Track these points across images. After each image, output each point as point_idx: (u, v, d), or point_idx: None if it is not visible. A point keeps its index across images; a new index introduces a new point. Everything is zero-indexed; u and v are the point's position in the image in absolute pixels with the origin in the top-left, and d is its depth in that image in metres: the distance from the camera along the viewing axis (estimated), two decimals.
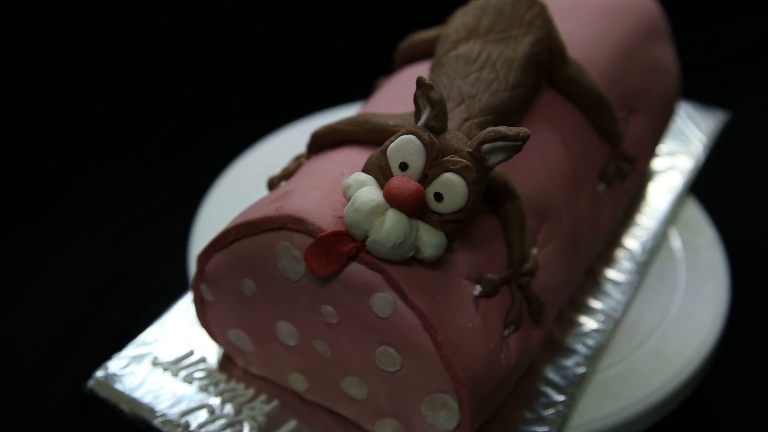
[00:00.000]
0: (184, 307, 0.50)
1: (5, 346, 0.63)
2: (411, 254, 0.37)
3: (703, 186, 0.65)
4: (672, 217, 0.60)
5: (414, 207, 0.36)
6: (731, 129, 0.72)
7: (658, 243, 0.57)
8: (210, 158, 0.76)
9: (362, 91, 0.53)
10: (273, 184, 0.46)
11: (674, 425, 0.55)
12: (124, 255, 0.72)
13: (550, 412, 0.44)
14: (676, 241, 0.58)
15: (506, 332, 0.41)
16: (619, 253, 0.56)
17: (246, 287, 0.41)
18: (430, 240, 0.37)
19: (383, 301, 0.37)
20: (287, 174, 0.45)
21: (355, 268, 0.37)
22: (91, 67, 0.87)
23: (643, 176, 0.59)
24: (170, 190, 0.81)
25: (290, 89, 0.93)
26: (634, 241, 0.57)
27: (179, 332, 0.48)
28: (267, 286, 0.41)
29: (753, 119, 0.87)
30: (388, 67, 0.57)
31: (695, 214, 0.61)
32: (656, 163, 0.64)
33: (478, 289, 0.40)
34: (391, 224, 0.36)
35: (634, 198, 0.60)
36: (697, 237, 0.59)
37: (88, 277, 0.69)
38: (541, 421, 0.44)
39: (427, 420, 0.40)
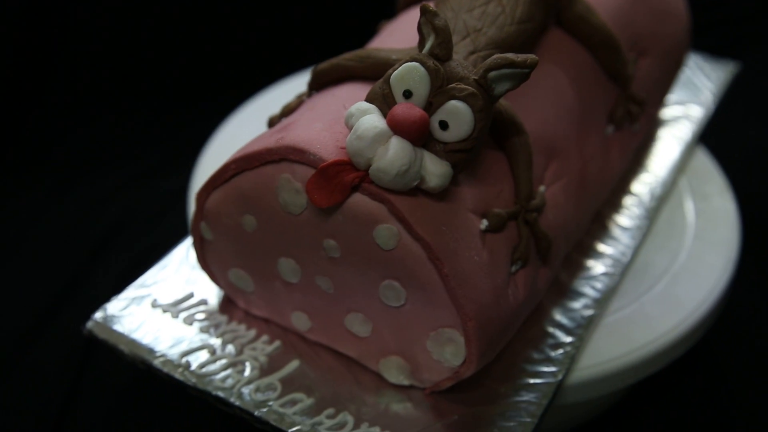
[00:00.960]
0: (184, 251, 0.49)
1: (4, 295, 0.63)
2: (415, 183, 0.36)
3: (712, 136, 0.64)
4: (681, 166, 0.59)
5: (418, 134, 0.35)
6: (741, 81, 0.70)
7: (667, 190, 0.56)
8: (206, 113, 0.74)
9: (362, 41, 0.52)
10: (273, 122, 0.45)
11: (683, 370, 0.54)
12: (122, 209, 0.71)
13: (557, 352, 0.43)
14: (685, 189, 0.57)
15: (513, 268, 0.40)
16: (628, 200, 0.54)
17: (246, 223, 0.41)
18: (435, 169, 0.36)
19: (387, 232, 0.36)
20: (288, 111, 0.44)
21: (359, 199, 0.36)
22: (88, 22, 0.86)
23: (652, 123, 0.58)
24: (168, 145, 0.80)
25: (286, 42, 0.91)
26: (642, 187, 0.56)
27: (179, 275, 0.48)
28: (268, 222, 0.40)
29: (764, 73, 0.85)
30: (387, 15, 0.56)
31: (705, 162, 0.60)
32: (666, 113, 0.63)
33: (484, 224, 0.39)
34: (395, 151, 0.35)
35: (643, 145, 0.59)
36: (706, 185, 0.58)
37: (85, 230, 0.69)
38: (549, 361, 0.43)
39: (432, 356, 0.39)
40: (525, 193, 0.41)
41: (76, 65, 0.85)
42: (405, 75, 0.36)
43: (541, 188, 0.42)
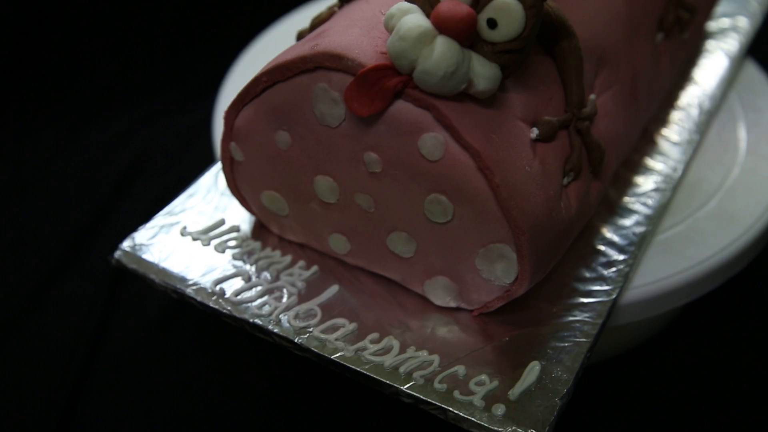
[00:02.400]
0: (212, 178, 0.47)
1: (30, 231, 0.61)
2: (463, 87, 0.33)
3: (761, 48, 0.60)
4: (730, 79, 0.55)
5: (466, 32, 0.32)
6: None
7: (716, 104, 0.53)
8: (224, 46, 0.71)
9: None
10: (303, 35, 0.42)
11: (740, 288, 0.52)
12: (143, 145, 0.69)
13: (610, 271, 0.41)
14: (735, 102, 0.54)
15: (565, 180, 0.37)
16: (676, 114, 0.52)
17: (280, 140, 0.38)
18: (483, 71, 0.33)
19: (433, 141, 0.34)
20: (318, 22, 0.41)
21: (402, 106, 0.34)
22: None
23: (700, 33, 0.55)
24: (186, 81, 0.78)
25: None
26: (692, 101, 0.53)
27: (208, 202, 0.45)
28: (303, 137, 0.37)
29: None
30: None
31: (755, 75, 0.57)
32: (713, 25, 0.59)
33: (535, 132, 0.36)
34: (441, 51, 0.32)
35: (691, 57, 0.56)
36: (757, 97, 0.55)
37: (107, 166, 0.67)
38: (602, 280, 0.41)
39: (482, 275, 0.37)
40: (576, 100, 0.38)
41: (91, 2, 0.82)
42: None
43: (592, 96, 0.40)
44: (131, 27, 0.83)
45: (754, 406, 0.48)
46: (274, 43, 0.60)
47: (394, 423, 0.47)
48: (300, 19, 0.65)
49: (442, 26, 0.32)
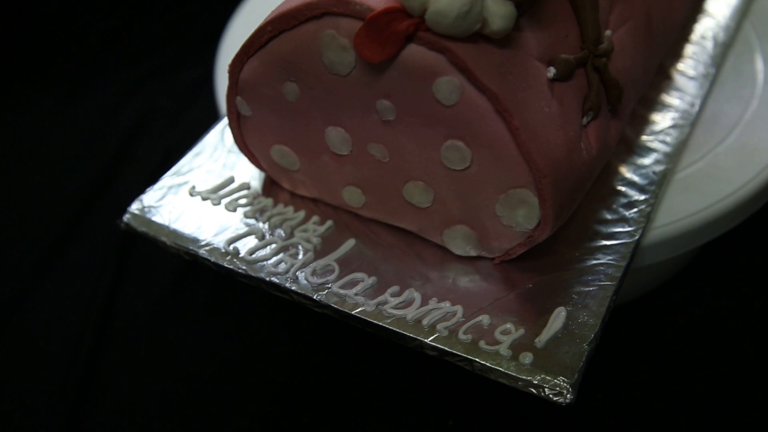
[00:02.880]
0: (218, 135, 0.46)
1: (34, 200, 0.60)
2: (477, 27, 0.32)
3: None
4: (744, 9, 0.54)
5: None
6: None
7: (731, 35, 0.52)
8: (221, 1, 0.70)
9: None
10: None
11: (760, 224, 0.51)
12: (143, 105, 0.68)
13: (632, 211, 0.40)
14: (751, 33, 0.52)
15: (585, 120, 0.36)
16: (691, 48, 0.50)
17: (288, 92, 0.37)
18: (498, 9, 0.32)
19: (448, 85, 0.32)
20: None
21: (414, 51, 0.32)
22: None
23: None
24: (184, 36, 0.76)
25: None
26: (706, 34, 0.51)
27: (215, 161, 0.44)
28: (312, 87, 0.36)
29: None
30: None
31: None
32: None
33: (552, 71, 0.35)
34: None
35: None
36: None
37: (108, 129, 0.66)
38: (623, 221, 0.40)
39: (502, 221, 0.36)
40: (592, 36, 0.37)
41: None
42: None
43: (607, 32, 0.38)
44: None
45: None
46: None
47: (419, 376, 0.46)
48: None
49: None
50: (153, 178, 0.44)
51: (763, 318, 0.48)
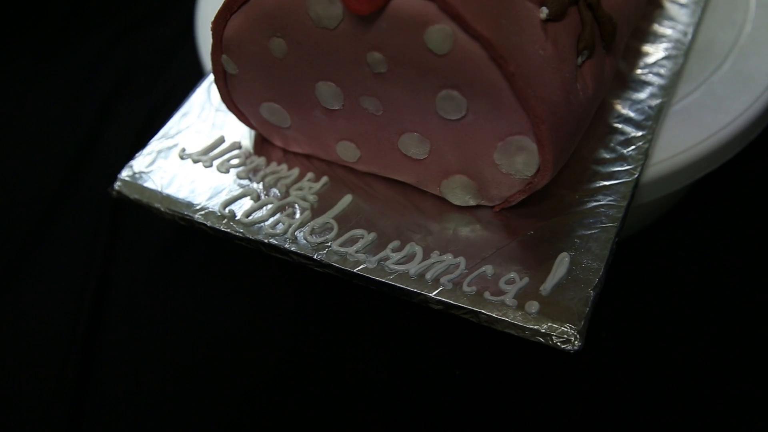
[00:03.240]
0: (204, 94, 0.45)
1: (20, 167, 0.59)
2: None
3: None
4: None
5: None
6: None
7: None
8: None
9: None
10: None
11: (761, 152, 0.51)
12: (123, 63, 0.66)
13: (630, 149, 0.40)
14: None
15: (580, 60, 0.35)
16: None
17: (275, 48, 0.36)
18: None
19: (440, 33, 0.31)
20: None
21: (404, 0, 0.31)
22: None
23: None
24: None
25: None
26: None
27: (204, 121, 0.43)
28: (300, 42, 0.35)
29: None
30: None
31: None
32: None
33: (544, 12, 0.34)
34: None
35: None
36: None
37: (88, 90, 0.64)
38: (622, 159, 0.39)
39: (501, 169, 0.35)
40: None
41: None
42: None
43: None
44: None
45: None
46: None
47: (424, 328, 0.46)
48: None
49: None
50: (139, 137, 0.44)
51: (762, 245, 0.49)
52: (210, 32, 0.37)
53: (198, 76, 0.47)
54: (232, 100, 0.40)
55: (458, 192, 0.37)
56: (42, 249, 0.53)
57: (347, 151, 0.39)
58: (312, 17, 0.33)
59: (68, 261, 0.52)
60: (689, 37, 0.45)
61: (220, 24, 0.37)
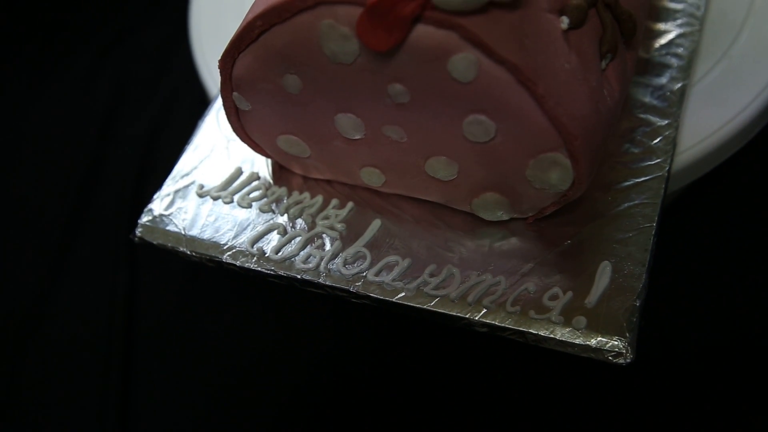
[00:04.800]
0: (214, 122, 0.43)
1: (23, 205, 0.57)
2: None
3: None
4: None
5: None
6: None
7: None
8: None
9: None
10: None
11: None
12: (116, 77, 0.64)
13: (657, 141, 0.39)
14: None
15: (604, 63, 0.34)
16: None
17: (289, 84, 0.34)
18: None
19: (464, 62, 0.30)
20: None
21: (423, 31, 0.30)
22: None
23: None
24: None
25: None
26: None
27: (217, 152, 0.42)
28: (315, 78, 0.34)
29: None
30: None
31: None
32: None
33: (565, 21, 0.32)
34: None
35: None
36: None
37: (85, 111, 0.62)
38: (651, 152, 0.38)
39: (534, 185, 0.35)
40: None
41: None
42: None
43: None
44: None
45: None
46: None
47: (468, 352, 0.46)
48: None
49: None
50: (144, 157, 0.42)
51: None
52: (203, 35, 0.36)
53: (194, 82, 0.46)
54: (246, 134, 0.39)
55: (490, 208, 0.37)
56: (61, 281, 0.52)
57: (372, 177, 0.38)
58: (327, 54, 0.32)
59: (90, 292, 0.51)
60: (702, 11, 0.44)
61: (227, 63, 0.35)
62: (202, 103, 0.46)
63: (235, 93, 0.36)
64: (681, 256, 0.48)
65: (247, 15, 0.34)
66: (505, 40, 0.30)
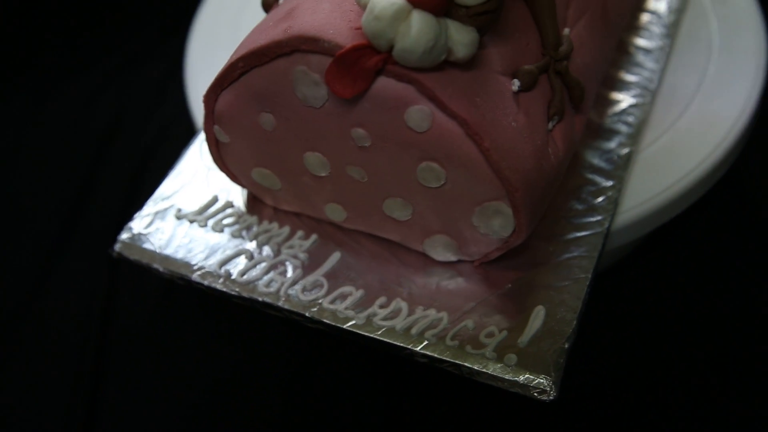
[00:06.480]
0: (197, 152, 0.47)
1: (14, 219, 0.61)
2: (443, 58, 0.33)
3: None
4: None
5: (440, 4, 0.32)
6: None
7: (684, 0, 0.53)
8: None
9: None
10: (269, 3, 0.41)
11: (726, 189, 0.53)
12: (113, 106, 0.67)
13: (600, 199, 0.42)
14: None
15: (551, 125, 0.38)
16: (646, 18, 0.51)
17: (264, 122, 0.38)
18: (461, 38, 0.33)
19: (419, 113, 0.34)
20: None
21: (384, 83, 0.34)
22: None
23: None
24: (146, 30, 0.75)
25: None
26: (659, 2, 0.52)
27: (198, 180, 0.45)
28: (288, 118, 0.37)
29: None
30: None
31: None
32: None
33: (516, 84, 0.36)
34: (418, 28, 0.32)
35: None
36: None
37: (82, 134, 0.66)
38: (593, 210, 0.42)
39: (480, 230, 0.38)
40: (552, 41, 0.38)
41: None
42: None
43: (566, 31, 0.40)
44: None
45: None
46: None
47: (409, 380, 0.49)
48: None
49: (416, 0, 0.32)
50: (133, 181, 0.45)
51: (720, 280, 0.51)
52: (196, 73, 0.39)
53: (185, 114, 0.49)
54: (224, 164, 0.42)
55: (440, 249, 0.40)
56: (42, 295, 0.55)
57: (335, 212, 0.41)
58: (299, 96, 0.36)
59: (69, 304, 0.54)
60: (655, 84, 0.48)
61: (211, 98, 0.39)
62: (191, 134, 0.50)
63: (216, 126, 0.40)
64: (616, 309, 0.51)
65: (231, 56, 0.37)
66: (457, 97, 0.34)
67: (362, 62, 0.33)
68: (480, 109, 0.34)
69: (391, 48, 0.32)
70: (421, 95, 0.33)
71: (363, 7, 0.33)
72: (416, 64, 0.33)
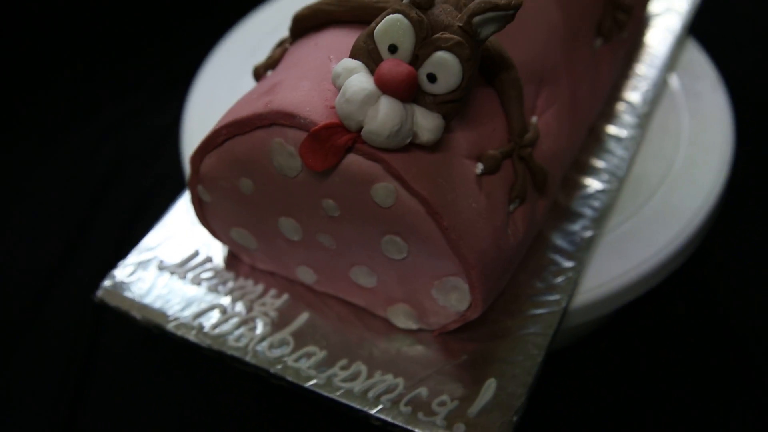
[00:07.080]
0: (184, 208, 0.49)
1: (7, 258, 0.63)
2: (408, 140, 0.35)
3: (701, 26, 0.62)
4: (672, 62, 0.58)
5: (407, 91, 0.34)
6: None
7: (658, 92, 0.56)
8: (189, 45, 0.73)
9: None
10: (259, 73, 0.44)
11: (684, 279, 0.55)
12: (113, 154, 0.70)
13: (559, 279, 0.44)
14: (677, 88, 0.56)
15: (511, 207, 0.40)
16: (620, 107, 0.54)
17: (244, 186, 0.40)
18: (426, 124, 0.35)
19: (384, 190, 0.36)
20: (272, 62, 0.43)
21: (353, 160, 0.36)
22: None
23: (640, 24, 0.57)
24: (153, 81, 0.78)
25: None
26: (634, 92, 0.55)
27: (181, 234, 0.48)
28: (265, 184, 0.40)
29: None
30: None
31: (695, 56, 0.59)
32: (652, 6, 0.61)
33: (479, 168, 0.39)
34: (385, 112, 0.34)
35: (633, 46, 0.58)
36: (698, 81, 0.57)
37: (78, 181, 0.68)
38: (552, 289, 0.44)
39: (438, 303, 0.40)
40: (518, 128, 0.41)
41: (49, 5, 0.82)
42: (389, 29, 0.35)
43: (534, 119, 0.42)
44: (86, 31, 0.82)
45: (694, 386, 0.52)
46: (246, 39, 0.62)
47: None
48: (267, 15, 0.65)
49: (385, 87, 0.34)
50: (126, 227, 0.47)
51: (685, 359, 0.53)
52: (191, 131, 0.42)
53: (179, 169, 0.52)
54: (206, 220, 0.45)
55: (401, 317, 0.42)
56: (24, 343, 0.56)
57: (306, 275, 0.44)
58: (275, 166, 0.38)
59: (52, 346, 0.56)
60: (623, 172, 0.50)
61: (197, 160, 0.41)
62: (184, 188, 0.52)
63: (200, 186, 0.42)
64: (573, 387, 0.52)
65: (218, 122, 0.40)
66: (420, 177, 0.36)
67: (334, 139, 0.36)
68: (441, 189, 0.36)
69: (360, 128, 0.35)
70: (386, 173, 0.36)
71: (339, 87, 0.36)
72: (383, 145, 0.35)
